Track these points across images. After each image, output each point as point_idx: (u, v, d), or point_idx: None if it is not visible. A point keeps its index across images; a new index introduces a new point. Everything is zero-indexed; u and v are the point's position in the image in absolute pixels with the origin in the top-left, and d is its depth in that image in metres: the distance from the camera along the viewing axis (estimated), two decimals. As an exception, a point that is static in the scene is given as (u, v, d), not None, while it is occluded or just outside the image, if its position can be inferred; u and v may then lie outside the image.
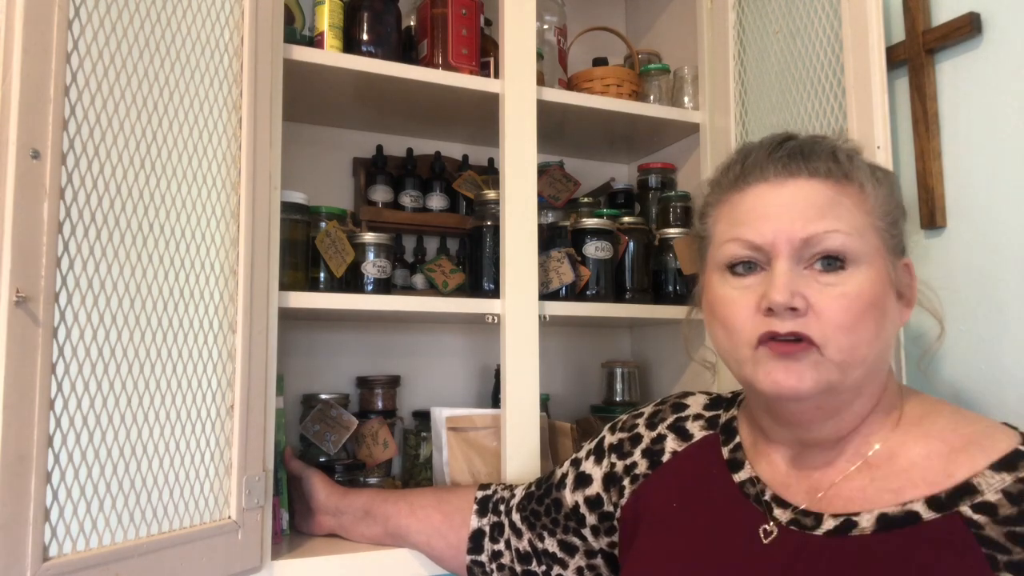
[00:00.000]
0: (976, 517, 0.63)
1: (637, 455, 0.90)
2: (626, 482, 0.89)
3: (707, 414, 0.89)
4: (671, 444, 0.88)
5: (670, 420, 0.91)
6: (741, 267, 0.73)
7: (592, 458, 0.95)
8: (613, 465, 0.92)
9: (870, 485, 0.70)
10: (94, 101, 0.80)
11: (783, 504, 0.74)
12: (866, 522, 0.68)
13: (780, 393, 0.69)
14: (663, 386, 1.60)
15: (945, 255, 1.04)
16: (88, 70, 0.79)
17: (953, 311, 1.02)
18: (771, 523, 0.74)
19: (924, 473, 0.68)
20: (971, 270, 1.00)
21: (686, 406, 0.92)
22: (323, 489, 1.11)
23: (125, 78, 0.83)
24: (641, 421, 0.93)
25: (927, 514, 0.65)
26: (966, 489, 0.65)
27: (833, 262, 0.69)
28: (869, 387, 0.72)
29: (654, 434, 0.90)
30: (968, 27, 1.00)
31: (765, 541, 0.73)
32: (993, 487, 0.64)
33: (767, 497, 0.76)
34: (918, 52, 1.07)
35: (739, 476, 0.80)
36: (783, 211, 0.71)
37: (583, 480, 0.94)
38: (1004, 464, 0.65)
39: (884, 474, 0.70)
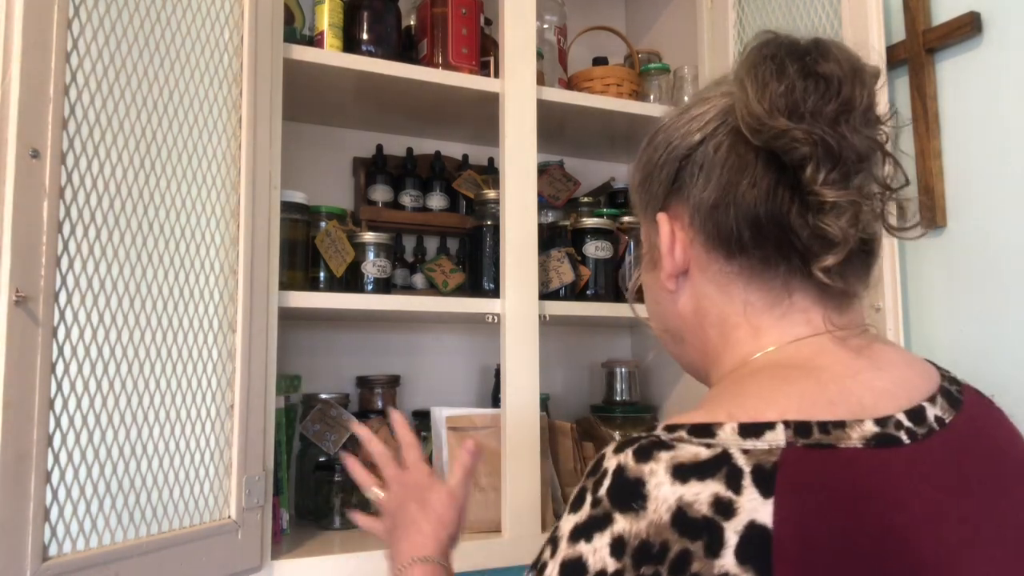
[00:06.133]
0: None
1: None
2: None
3: None
4: None
5: None
6: None
7: None
8: None
9: None
10: (94, 101, 0.80)
11: None
12: None
13: None
14: (663, 386, 1.60)
15: (945, 255, 1.04)
16: (88, 69, 0.79)
17: (952, 311, 1.02)
18: None
19: None
20: (971, 270, 1.00)
21: None
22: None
23: (125, 78, 0.83)
24: None
25: None
26: None
27: None
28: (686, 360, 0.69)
29: None
30: (968, 26, 1.00)
31: None
32: None
33: None
34: (918, 52, 1.07)
35: None
36: None
37: None
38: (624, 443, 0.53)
39: None
